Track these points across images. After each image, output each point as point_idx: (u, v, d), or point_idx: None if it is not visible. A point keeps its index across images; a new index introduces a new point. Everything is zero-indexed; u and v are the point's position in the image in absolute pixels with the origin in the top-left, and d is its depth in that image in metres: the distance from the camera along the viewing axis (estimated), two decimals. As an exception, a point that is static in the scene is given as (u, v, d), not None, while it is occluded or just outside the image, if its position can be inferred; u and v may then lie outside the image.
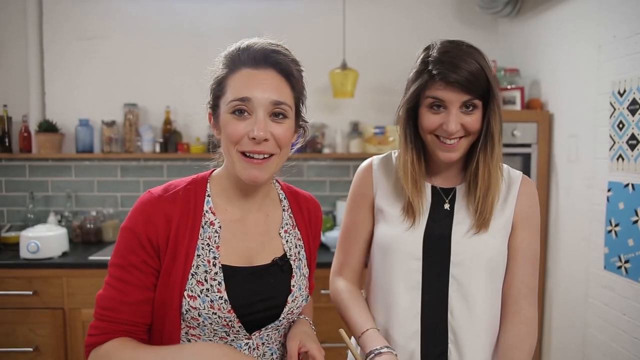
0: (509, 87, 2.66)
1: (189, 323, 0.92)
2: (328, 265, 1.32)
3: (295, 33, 3.04)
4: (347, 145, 3.07)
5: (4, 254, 2.65)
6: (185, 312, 0.91)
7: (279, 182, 1.11)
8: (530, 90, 2.77)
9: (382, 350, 1.02)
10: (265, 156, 0.91)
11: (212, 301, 0.90)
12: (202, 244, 0.93)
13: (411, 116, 1.12)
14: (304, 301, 1.04)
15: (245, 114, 0.89)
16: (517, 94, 2.62)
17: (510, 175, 1.18)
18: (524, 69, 2.81)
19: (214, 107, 0.94)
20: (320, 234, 1.17)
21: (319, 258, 1.27)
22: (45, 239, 2.53)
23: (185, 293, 0.90)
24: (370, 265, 1.23)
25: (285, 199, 1.09)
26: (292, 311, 1.01)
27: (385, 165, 1.22)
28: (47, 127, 2.90)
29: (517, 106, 2.62)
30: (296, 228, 1.07)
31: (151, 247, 0.90)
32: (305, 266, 1.06)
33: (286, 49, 0.94)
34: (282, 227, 1.04)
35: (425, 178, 1.17)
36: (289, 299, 0.99)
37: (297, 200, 1.10)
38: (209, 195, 0.97)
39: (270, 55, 0.90)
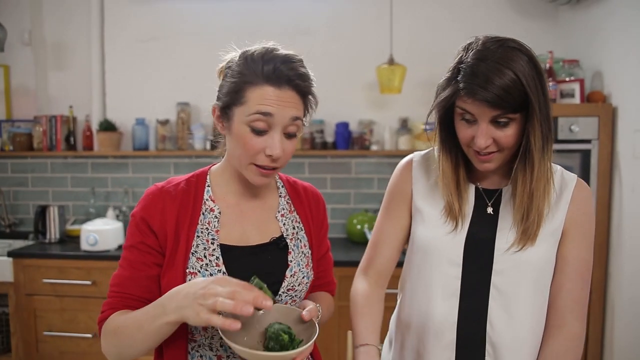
0: (567, 79, 2.50)
1: None
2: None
3: (343, 29, 3.04)
4: (396, 142, 3.02)
5: (68, 246, 2.84)
6: None
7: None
8: (592, 83, 2.59)
9: None
10: (274, 168, 0.98)
11: (212, 275, 0.97)
12: (202, 227, 1.01)
13: (445, 120, 1.05)
14: (304, 278, 1.07)
15: (264, 131, 0.95)
16: (576, 87, 2.45)
17: (564, 178, 1.09)
18: (585, 59, 2.63)
19: (226, 108, 0.98)
20: (326, 222, 1.19)
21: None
22: (103, 232, 2.68)
23: (187, 270, 0.98)
24: (407, 266, 1.18)
25: (282, 187, 1.14)
26: (292, 287, 1.04)
27: (426, 163, 1.16)
28: (107, 126, 3.06)
29: (576, 99, 2.46)
30: (294, 212, 1.12)
31: (148, 229, 0.99)
32: (305, 246, 1.10)
33: (303, 65, 0.98)
34: (279, 212, 1.10)
35: (469, 179, 1.10)
36: (287, 273, 1.04)
37: (295, 189, 1.15)
38: (208, 186, 1.06)
39: (292, 79, 0.94)
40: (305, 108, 1.00)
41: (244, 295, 0.80)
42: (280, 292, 1.03)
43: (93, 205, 3.15)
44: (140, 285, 0.98)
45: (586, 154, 2.43)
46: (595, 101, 2.44)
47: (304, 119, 1.00)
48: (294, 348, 0.88)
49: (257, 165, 0.97)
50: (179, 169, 3.17)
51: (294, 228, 1.10)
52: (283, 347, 0.88)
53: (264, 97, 0.92)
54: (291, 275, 1.04)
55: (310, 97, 1.00)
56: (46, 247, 2.83)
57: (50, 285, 2.65)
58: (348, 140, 3.02)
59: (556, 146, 2.39)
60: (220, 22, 3.07)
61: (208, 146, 3.03)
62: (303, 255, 1.08)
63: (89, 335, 2.64)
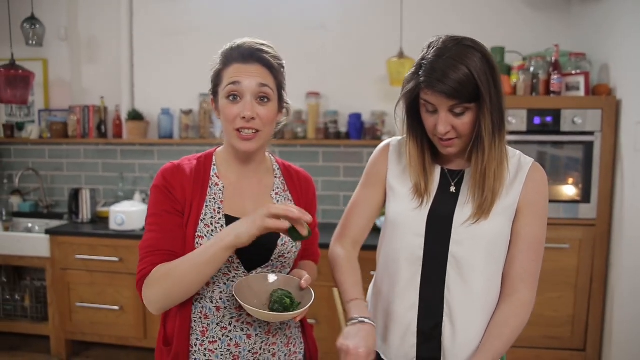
0: (573, 72, 2.54)
1: None
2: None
3: (355, 24, 3.15)
4: (407, 132, 3.11)
5: (98, 225, 3.08)
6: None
7: (273, 157, 1.32)
8: (599, 75, 2.63)
9: (364, 320, 1.12)
10: (254, 131, 1.14)
11: None
12: (210, 198, 1.18)
13: (412, 110, 1.18)
14: (293, 247, 1.22)
15: (237, 98, 1.13)
16: (581, 80, 2.49)
17: (521, 162, 1.21)
18: (593, 52, 2.66)
19: (215, 93, 1.19)
20: (315, 205, 1.34)
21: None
22: (130, 213, 2.91)
23: (196, 234, 1.14)
24: (382, 238, 1.32)
25: (278, 169, 1.30)
26: (282, 254, 1.20)
27: (401, 147, 1.29)
28: (135, 116, 3.28)
29: (581, 92, 2.50)
30: (287, 192, 1.27)
31: (173, 196, 1.15)
32: None
33: (269, 47, 1.18)
34: (274, 190, 1.26)
35: (435, 162, 1.24)
36: (279, 242, 1.19)
37: (289, 172, 1.30)
38: (214, 165, 1.23)
39: (255, 53, 1.14)
40: (275, 80, 1.16)
41: (293, 207, 1.01)
42: (272, 258, 1.18)
43: (122, 189, 3.39)
44: (174, 243, 1.12)
45: (589, 147, 2.48)
46: (601, 94, 2.48)
47: (275, 89, 1.15)
48: (294, 310, 1.08)
49: (237, 131, 1.13)
50: (200, 156, 3.35)
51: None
52: (286, 309, 1.08)
53: (233, 71, 1.13)
54: (282, 244, 1.19)
55: (276, 69, 1.15)
56: (79, 226, 3.08)
57: (82, 261, 2.90)
58: (360, 130, 3.12)
59: (559, 138, 2.49)
60: (239, 15, 3.22)
61: (228, 135, 3.19)
62: None
63: (117, 308, 2.89)
